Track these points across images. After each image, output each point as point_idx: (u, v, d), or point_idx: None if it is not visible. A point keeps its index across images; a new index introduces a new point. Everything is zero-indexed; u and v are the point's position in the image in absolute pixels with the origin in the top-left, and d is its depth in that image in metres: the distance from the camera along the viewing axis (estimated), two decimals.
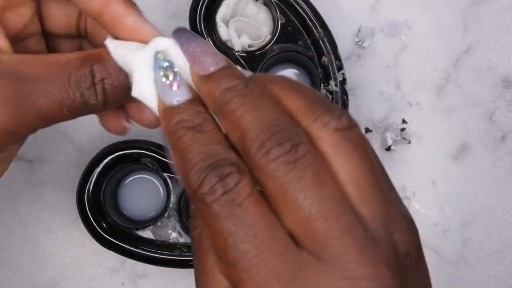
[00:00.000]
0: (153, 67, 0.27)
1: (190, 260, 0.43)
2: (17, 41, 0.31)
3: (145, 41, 0.28)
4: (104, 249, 0.43)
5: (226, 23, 0.44)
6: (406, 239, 0.25)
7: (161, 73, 0.27)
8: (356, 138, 0.25)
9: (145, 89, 0.27)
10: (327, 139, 0.25)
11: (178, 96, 0.26)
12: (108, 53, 0.29)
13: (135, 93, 0.27)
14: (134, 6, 0.29)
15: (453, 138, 0.48)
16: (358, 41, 0.48)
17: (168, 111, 0.26)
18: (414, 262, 0.25)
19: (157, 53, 0.27)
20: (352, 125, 0.25)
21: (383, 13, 0.48)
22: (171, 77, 0.27)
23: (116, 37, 0.29)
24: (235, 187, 0.24)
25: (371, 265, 0.23)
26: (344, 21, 0.48)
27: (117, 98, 0.29)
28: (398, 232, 0.25)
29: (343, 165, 0.25)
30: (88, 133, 0.47)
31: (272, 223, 0.24)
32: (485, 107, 0.48)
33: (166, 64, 0.27)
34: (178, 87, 0.26)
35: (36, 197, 0.47)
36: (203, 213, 0.25)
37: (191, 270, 0.46)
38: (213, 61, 0.26)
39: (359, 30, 0.48)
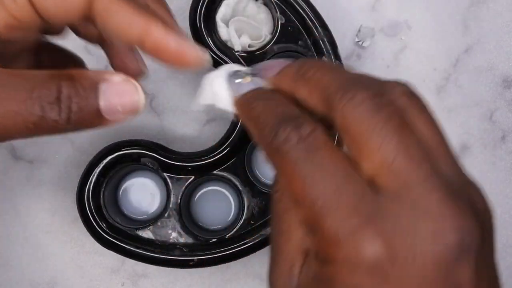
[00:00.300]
0: (226, 78, 0.31)
1: (190, 260, 0.43)
2: None
3: (188, 64, 0.29)
4: (104, 249, 0.43)
5: (226, 23, 0.44)
6: (482, 199, 0.26)
7: (234, 78, 0.31)
8: (422, 103, 0.27)
9: (219, 91, 0.31)
10: (397, 101, 0.26)
11: (250, 86, 0.30)
12: (80, 75, 0.28)
13: (206, 100, 0.31)
14: (173, 28, 0.29)
15: (453, 138, 0.48)
16: (358, 41, 0.48)
17: (241, 97, 0.29)
18: (491, 224, 0.26)
19: (229, 69, 0.32)
20: (416, 93, 0.27)
21: (383, 13, 0.48)
22: (242, 79, 0.31)
23: (161, 61, 0.29)
24: (310, 134, 0.25)
25: (455, 208, 0.24)
26: (344, 21, 0.48)
27: (83, 120, 0.28)
28: (473, 191, 0.26)
29: (414, 123, 0.26)
30: (88, 133, 0.47)
31: (350, 168, 0.25)
32: (485, 107, 0.48)
33: (238, 71, 0.31)
34: (249, 82, 0.30)
35: (36, 197, 0.47)
36: (279, 163, 0.26)
37: (191, 270, 0.46)
38: (281, 64, 0.29)
39: (359, 30, 0.48)
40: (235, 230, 0.43)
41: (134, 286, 0.47)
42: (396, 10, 0.48)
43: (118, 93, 0.28)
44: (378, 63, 0.48)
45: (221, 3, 0.44)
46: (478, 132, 0.48)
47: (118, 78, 0.28)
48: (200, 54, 0.29)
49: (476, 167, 0.48)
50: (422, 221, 0.24)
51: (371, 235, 0.24)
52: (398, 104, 0.26)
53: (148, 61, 0.47)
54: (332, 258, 0.25)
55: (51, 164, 0.47)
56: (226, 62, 0.43)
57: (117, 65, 0.33)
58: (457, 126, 0.48)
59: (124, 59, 0.33)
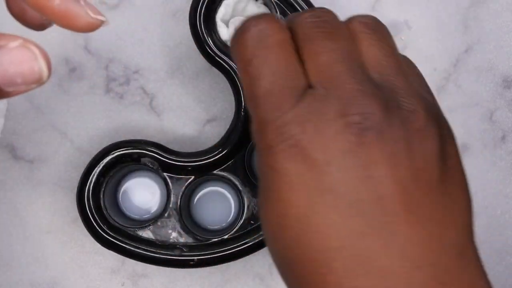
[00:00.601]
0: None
1: (190, 260, 0.43)
2: None
3: (76, 26, 0.26)
4: (104, 249, 0.43)
5: (226, 23, 0.44)
6: (414, 105, 0.28)
7: None
8: (385, 35, 0.32)
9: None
10: (357, 29, 0.31)
11: None
12: None
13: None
14: None
15: None
16: None
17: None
18: (420, 125, 0.28)
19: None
20: (380, 24, 0.32)
21: (383, 13, 0.48)
22: None
23: (48, 19, 0.26)
24: (269, 34, 0.29)
25: (362, 94, 0.27)
26: None
27: None
28: (406, 97, 0.29)
29: (367, 46, 0.30)
30: (88, 133, 0.47)
31: (294, 67, 0.28)
32: (485, 107, 0.48)
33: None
34: None
35: (36, 197, 0.47)
36: (240, 64, 0.29)
37: (191, 270, 0.46)
38: None
39: None
40: (235, 230, 0.43)
41: (134, 286, 0.47)
42: (396, 10, 0.48)
43: (14, 62, 0.24)
44: None
45: (221, 3, 0.44)
46: (478, 132, 0.48)
47: (14, 44, 0.24)
48: (90, 17, 0.26)
49: (476, 167, 0.48)
50: (332, 105, 0.27)
51: (288, 119, 0.27)
52: (340, 22, 0.30)
53: (147, 60, 0.47)
54: (261, 146, 0.27)
55: (51, 164, 0.47)
56: (226, 62, 0.43)
57: (15, 13, 0.28)
58: (457, 126, 0.48)
59: (23, 5, 0.28)
